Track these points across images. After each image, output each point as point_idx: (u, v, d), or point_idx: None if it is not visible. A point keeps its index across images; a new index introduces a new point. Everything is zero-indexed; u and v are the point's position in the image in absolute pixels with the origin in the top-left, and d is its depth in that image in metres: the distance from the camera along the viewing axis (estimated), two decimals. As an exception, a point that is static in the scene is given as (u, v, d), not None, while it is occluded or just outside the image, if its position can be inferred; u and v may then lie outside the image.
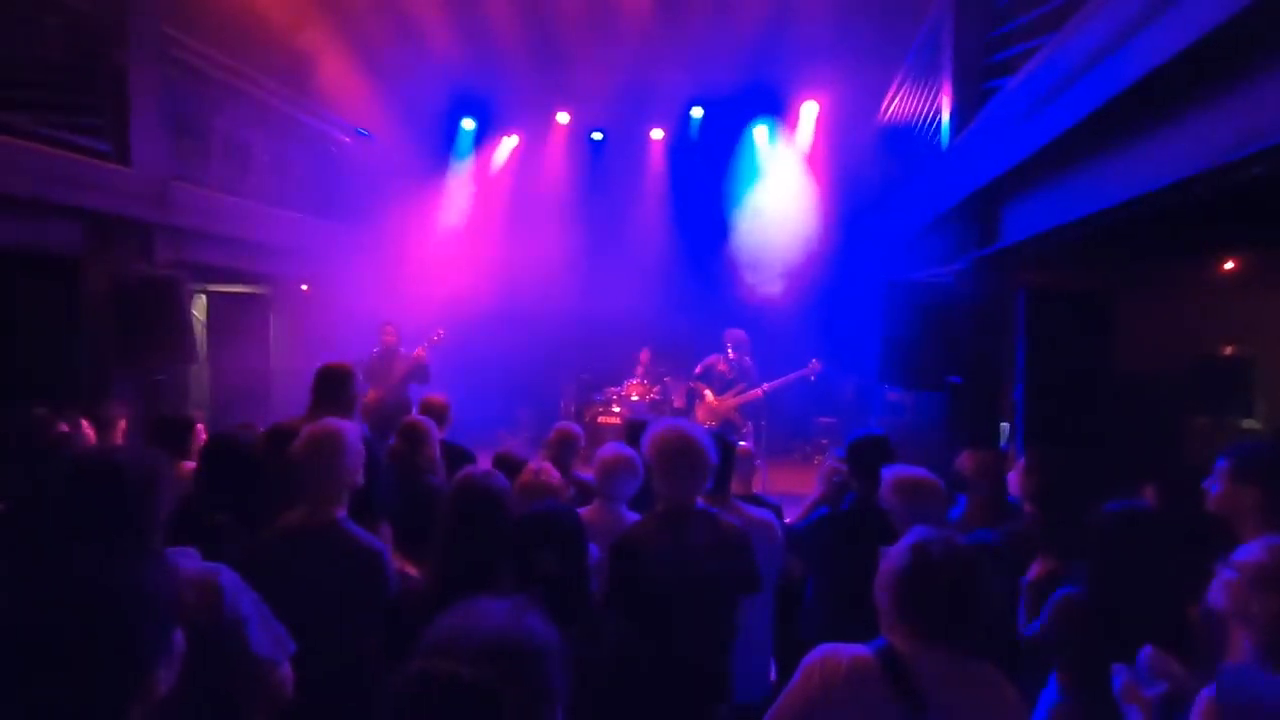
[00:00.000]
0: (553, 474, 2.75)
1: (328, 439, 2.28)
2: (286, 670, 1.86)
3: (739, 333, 7.38)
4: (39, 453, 2.82)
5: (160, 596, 1.04)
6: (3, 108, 4.17)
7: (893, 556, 1.75)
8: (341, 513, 2.29)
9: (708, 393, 7.40)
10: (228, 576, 1.77)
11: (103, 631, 0.97)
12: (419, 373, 6.68)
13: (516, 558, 1.91)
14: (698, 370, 7.57)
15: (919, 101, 5.94)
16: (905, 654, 1.65)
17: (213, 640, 1.60)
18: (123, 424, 4.06)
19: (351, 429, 2.36)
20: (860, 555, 2.28)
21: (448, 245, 9.50)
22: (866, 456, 2.82)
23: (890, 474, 2.54)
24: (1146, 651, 1.98)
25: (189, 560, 1.77)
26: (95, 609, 0.97)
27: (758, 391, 7.16)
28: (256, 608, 1.81)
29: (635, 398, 8.75)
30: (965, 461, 3.16)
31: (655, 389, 8.82)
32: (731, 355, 7.33)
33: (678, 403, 8.67)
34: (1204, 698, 1.57)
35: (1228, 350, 6.07)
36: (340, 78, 8.10)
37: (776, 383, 7.24)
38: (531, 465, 2.80)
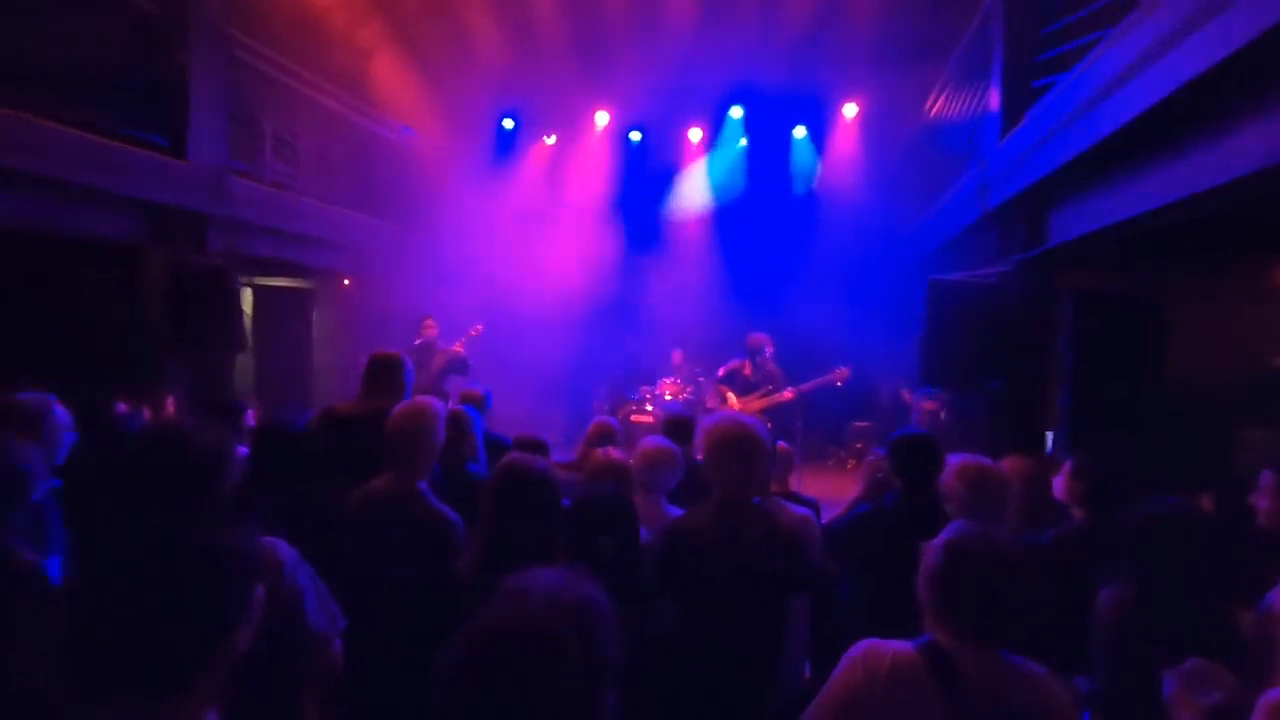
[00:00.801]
0: (617, 453, 2.81)
1: (424, 413, 2.42)
2: (338, 646, 1.90)
3: (762, 337, 7.33)
4: (102, 431, 2.93)
5: (246, 556, 1.08)
6: (70, 103, 4.35)
7: (931, 551, 1.74)
8: (424, 484, 2.39)
9: (730, 395, 7.38)
10: (286, 550, 1.82)
11: (192, 589, 1.01)
12: (458, 366, 6.80)
13: (573, 540, 1.93)
14: (721, 374, 7.56)
15: (964, 101, 5.85)
16: (950, 651, 1.63)
17: (270, 613, 1.65)
18: (170, 406, 4.19)
19: (442, 408, 2.49)
20: (901, 553, 2.25)
21: (487, 243, 9.62)
22: (909, 456, 2.78)
23: (956, 461, 2.50)
24: (1193, 662, 1.92)
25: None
26: (185, 566, 1.01)
27: (788, 394, 7.10)
28: (313, 582, 1.85)
29: (669, 397, 8.77)
30: (1004, 466, 3.10)
31: (689, 388, 8.83)
32: (758, 359, 7.30)
33: (711, 403, 8.65)
34: (1272, 701, 1.52)
35: (1280, 361, 5.86)
36: (389, 77, 8.27)
37: (804, 387, 7.17)
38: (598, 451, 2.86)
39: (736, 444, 2.36)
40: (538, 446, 3.29)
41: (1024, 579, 1.64)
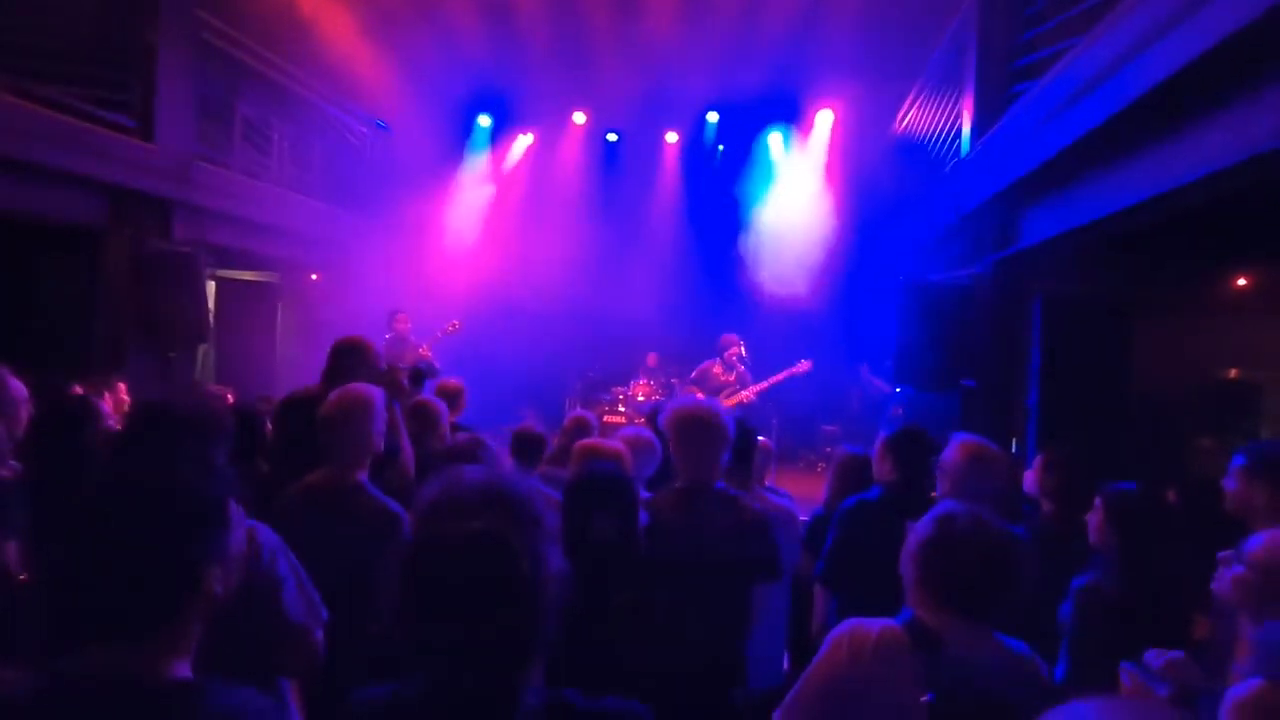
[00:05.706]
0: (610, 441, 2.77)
1: (355, 402, 2.28)
2: (319, 637, 1.84)
3: (733, 337, 7.36)
4: (60, 414, 2.81)
5: (211, 494, 1.07)
6: (33, 78, 4.19)
7: (919, 528, 1.76)
8: (364, 475, 2.28)
9: (700, 396, 7.40)
10: (267, 534, 1.76)
11: (155, 520, 1.00)
12: (426, 369, 6.67)
13: (573, 521, 1.89)
14: (693, 375, 7.58)
15: (939, 108, 5.96)
16: (933, 626, 1.65)
17: (247, 598, 1.57)
18: (122, 392, 4.01)
19: (378, 394, 2.35)
20: (886, 542, 2.26)
21: (459, 240, 9.52)
22: (907, 449, 2.82)
23: (960, 437, 2.53)
24: (1152, 654, 1.95)
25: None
26: (146, 499, 1.00)
27: (748, 394, 7.10)
28: (294, 571, 1.79)
29: (641, 398, 8.75)
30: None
31: (662, 390, 8.83)
32: (729, 358, 7.31)
33: (683, 404, 8.63)
34: (1238, 698, 1.53)
35: (1233, 374, 6.06)
36: (362, 68, 8.14)
37: (764, 384, 7.19)
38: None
39: (697, 426, 2.36)
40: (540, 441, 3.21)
41: (1011, 559, 1.67)
